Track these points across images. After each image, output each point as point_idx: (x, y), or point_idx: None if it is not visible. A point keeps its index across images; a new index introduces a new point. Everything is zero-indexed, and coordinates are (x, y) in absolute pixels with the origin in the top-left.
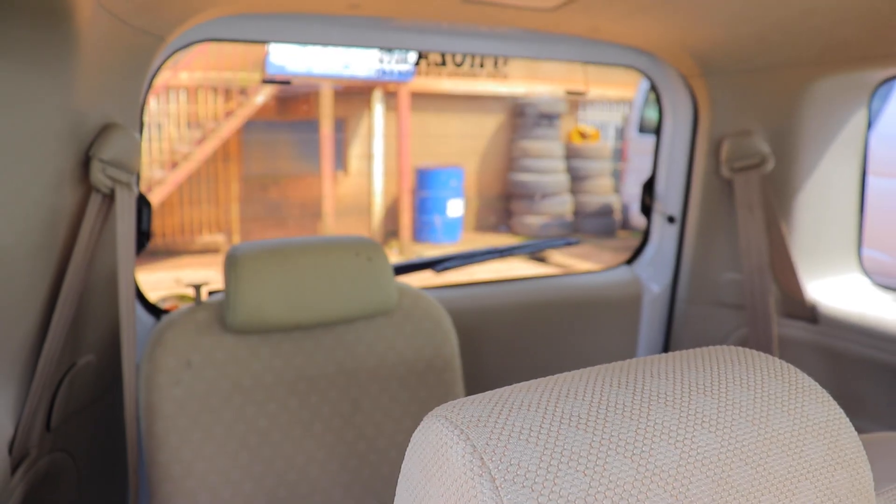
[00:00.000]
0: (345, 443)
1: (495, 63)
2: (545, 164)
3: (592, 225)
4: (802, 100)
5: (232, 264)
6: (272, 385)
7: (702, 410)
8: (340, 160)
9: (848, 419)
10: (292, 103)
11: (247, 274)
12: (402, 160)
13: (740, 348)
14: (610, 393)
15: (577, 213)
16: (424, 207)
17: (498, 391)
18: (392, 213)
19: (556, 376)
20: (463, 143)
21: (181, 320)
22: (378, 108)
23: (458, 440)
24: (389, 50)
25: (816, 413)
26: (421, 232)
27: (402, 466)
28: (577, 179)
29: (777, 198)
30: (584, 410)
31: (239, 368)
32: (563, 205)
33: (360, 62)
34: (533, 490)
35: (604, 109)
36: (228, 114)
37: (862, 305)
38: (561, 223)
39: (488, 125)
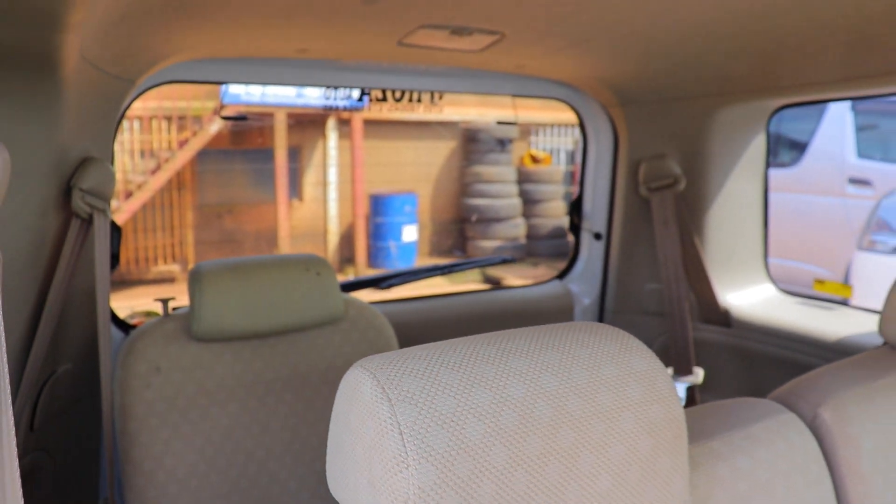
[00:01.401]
0: (299, 439)
1: (431, 97)
2: (498, 189)
3: (546, 247)
4: (708, 126)
5: (196, 279)
6: (233, 387)
7: (548, 360)
8: (295, 188)
9: (665, 368)
10: (247, 132)
11: (210, 288)
12: (357, 187)
13: (596, 323)
14: (481, 348)
15: (531, 236)
16: (379, 233)
17: (400, 351)
18: (347, 239)
19: (447, 341)
20: (417, 170)
21: (151, 331)
22: (332, 136)
23: (367, 378)
24: (336, 87)
25: (639, 363)
26: (376, 257)
27: (333, 407)
28: (529, 203)
29: (690, 214)
30: (459, 358)
31: (203, 373)
32: (516, 228)
33: (314, 91)
34: (416, 406)
35: (555, 134)
36: (182, 143)
37: (770, 310)
38: (515, 246)
39: (441, 151)
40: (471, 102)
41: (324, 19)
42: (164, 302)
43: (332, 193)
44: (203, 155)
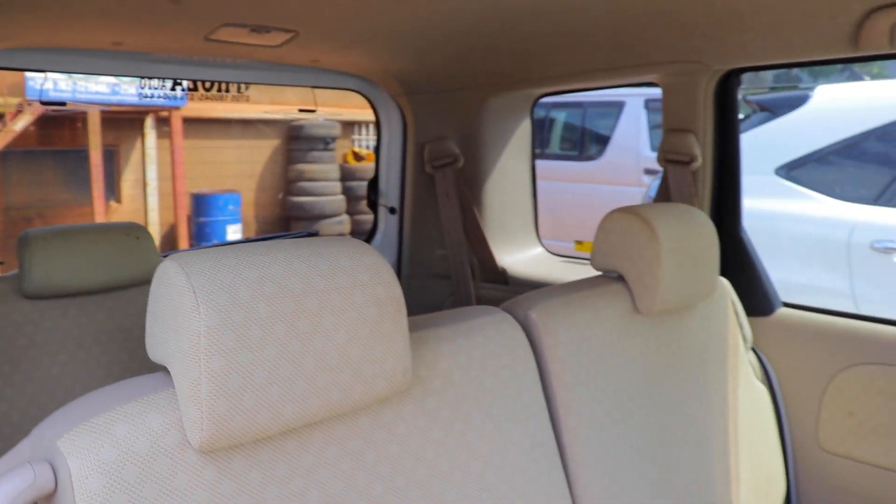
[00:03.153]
0: None
1: (238, 88)
2: (322, 187)
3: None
4: (480, 112)
5: (25, 243)
6: (63, 340)
7: (301, 253)
8: (112, 189)
9: (388, 265)
10: (57, 130)
11: (38, 250)
12: (178, 186)
13: (347, 238)
14: (262, 247)
15: (355, 231)
16: (202, 233)
17: (206, 248)
18: (169, 239)
19: (251, 244)
20: (239, 168)
21: None
22: (151, 135)
23: (170, 262)
24: (150, 78)
25: (369, 259)
26: None
27: (150, 291)
28: (354, 200)
29: (469, 188)
30: (241, 249)
31: (33, 328)
32: (340, 224)
33: (130, 87)
34: (205, 276)
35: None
36: None
37: (539, 268)
38: None
39: (264, 150)
40: (295, 101)
41: (135, 16)
42: None
43: (153, 194)
44: (8, 155)
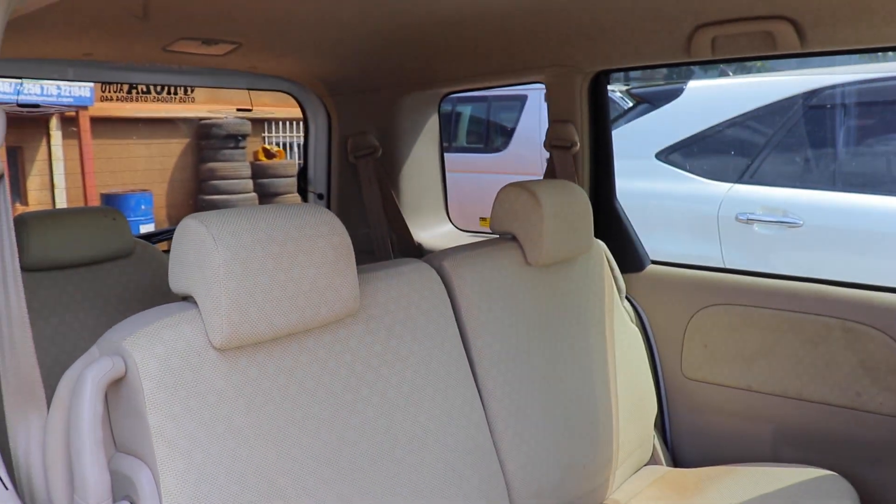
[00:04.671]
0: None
1: (185, 90)
2: (234, 185)
3: None
4: (395, 109)
5: (23, 223)
6: (54, 306)
7: (279, 213)
8: (18, 191)
9: (341, 224)
10: None
11: (34, 229)
12: (87, 188)
13: (313, 204)
14: (259, 209)
15: None
16: None
17: (213, 211)
18: None
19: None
20: (150, 167)
21: None
22: (57, 135)
23: (194, 221)
24: (111, 83)
25: (327, 216)
26: None
27: (171, 254)
28: (266, 197)
29: (387, 174)
30: (246, 213)
31: (31, 296)
32: None
33: (34, 87)
34: (219, 225)
35: (288, 129)
36: None
37: (449, 242)
38: None
39: (174, 148)
40: (202, 99)
41: (106, 30)
42: None
43: (60, 195)
44: None
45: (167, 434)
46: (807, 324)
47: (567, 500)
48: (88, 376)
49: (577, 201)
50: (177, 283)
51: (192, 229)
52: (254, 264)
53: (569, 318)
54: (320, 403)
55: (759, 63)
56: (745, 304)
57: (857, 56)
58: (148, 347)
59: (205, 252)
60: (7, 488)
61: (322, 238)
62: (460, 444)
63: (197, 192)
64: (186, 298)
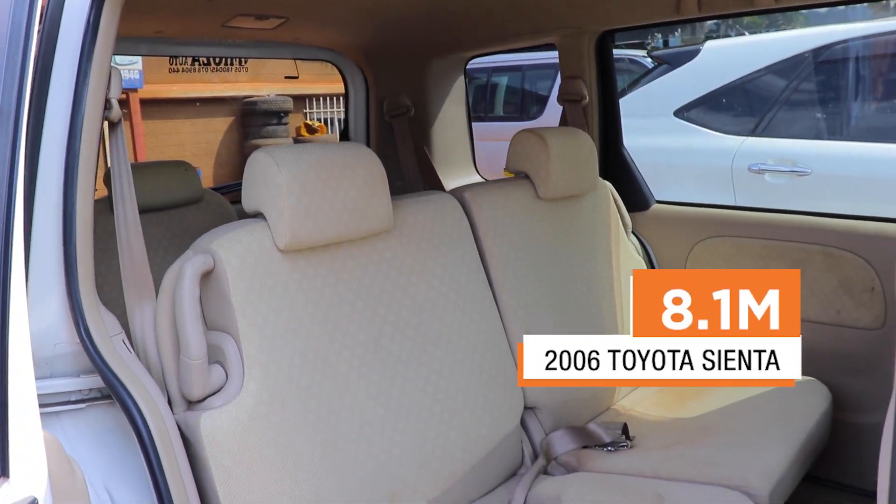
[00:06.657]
0: None
1: (240, 62)
2: None
3: None
4: (426, 72)
5: None
6: None
7: (327, 148)
8: None
9: (376, 156)
10: None
11: None
12: None
13: (356, 143)
14: (311, 146)
15: None
16: None
17: (273, 146)
18: None
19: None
20: (196, 146)
21: None
22: None
23: (262, 153)
24: (177, 57)
25: (364, 150)
26: None
27: (243, 180)
28: None
29: (419, 131)
30: (301, 147)
31: None
32: None
33: None
34: (285, 159)
35: (328, 105)
36: None
37: None
38: None
39: (219, 126)
40: (245, 79)
41: (176, 10)
42: None
43: None
44: None
45: (246, 312)
46: (791, 251)
47: (575, 398)
48: (188, 268)
49: (583, 145)
50: (249, 202)
51: (261, 159)
52: (308, 185)
53: (577, 247)
54: (363, 300)
55: (779, 20)
56: (738, 235)
57: (867, 8)
58: (230, 247)
59: (270, 175)
60: (131, 352)
61: (361, 167)
62: (480, 343)
63: (243, 168)
64: (256, 217)
